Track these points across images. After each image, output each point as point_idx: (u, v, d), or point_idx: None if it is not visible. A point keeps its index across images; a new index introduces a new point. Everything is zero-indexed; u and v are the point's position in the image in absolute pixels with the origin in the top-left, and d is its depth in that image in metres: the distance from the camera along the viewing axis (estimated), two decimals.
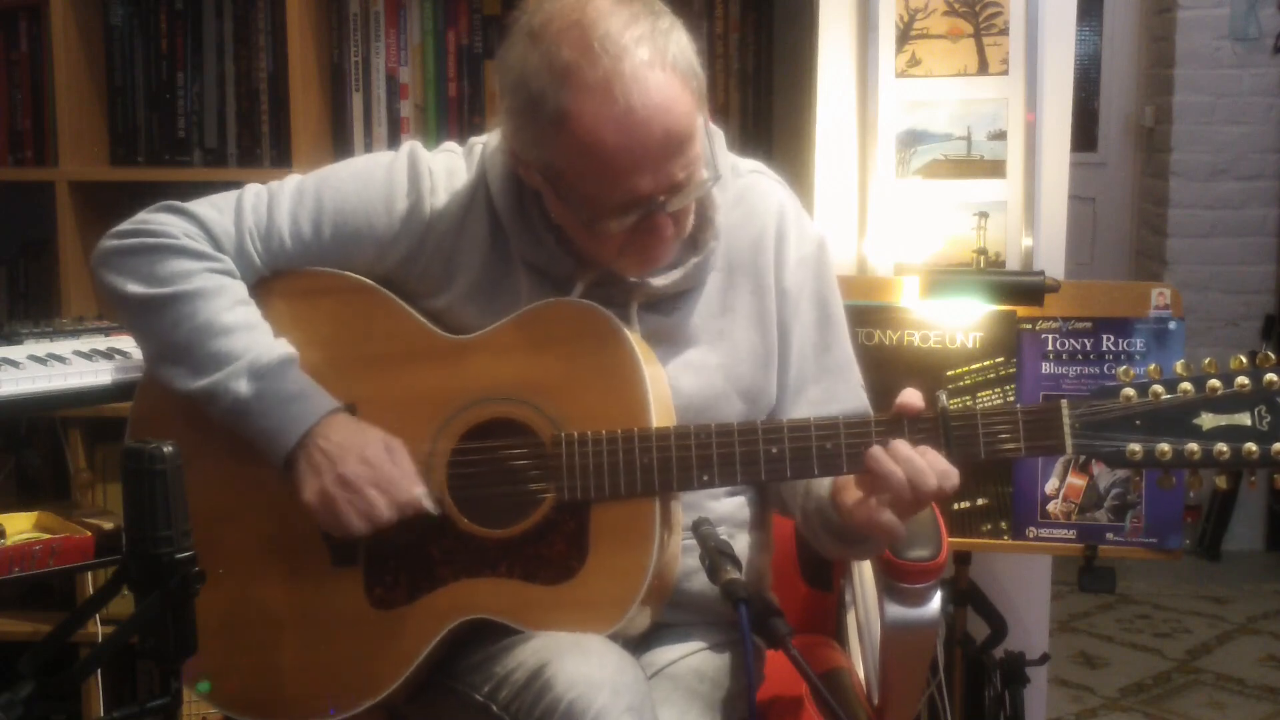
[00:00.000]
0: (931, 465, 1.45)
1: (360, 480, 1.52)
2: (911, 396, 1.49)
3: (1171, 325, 2.21)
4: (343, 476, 1.52)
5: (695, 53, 1.49)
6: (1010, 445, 1.48)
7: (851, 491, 1.52)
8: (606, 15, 1.44)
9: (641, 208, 1.48)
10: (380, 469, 1.52)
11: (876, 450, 1.46)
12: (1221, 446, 1.45)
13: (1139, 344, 2.21)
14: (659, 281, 1.60)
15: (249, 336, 1.57)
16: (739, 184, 1.68)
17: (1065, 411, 1.47)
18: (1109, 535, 2.24)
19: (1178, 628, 4.00)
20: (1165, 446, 1.46)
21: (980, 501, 2.27)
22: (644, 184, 1.45)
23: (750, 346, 1.65)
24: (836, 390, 1.68)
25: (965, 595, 2.37)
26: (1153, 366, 1.49)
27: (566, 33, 1.44)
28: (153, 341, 1.61)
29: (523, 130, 1.50)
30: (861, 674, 1.95)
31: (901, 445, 1.46)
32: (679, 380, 1.60)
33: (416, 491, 1.54)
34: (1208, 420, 1.46)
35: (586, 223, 1.50)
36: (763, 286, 1.66)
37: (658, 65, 1.43)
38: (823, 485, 1.60)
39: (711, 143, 1.59)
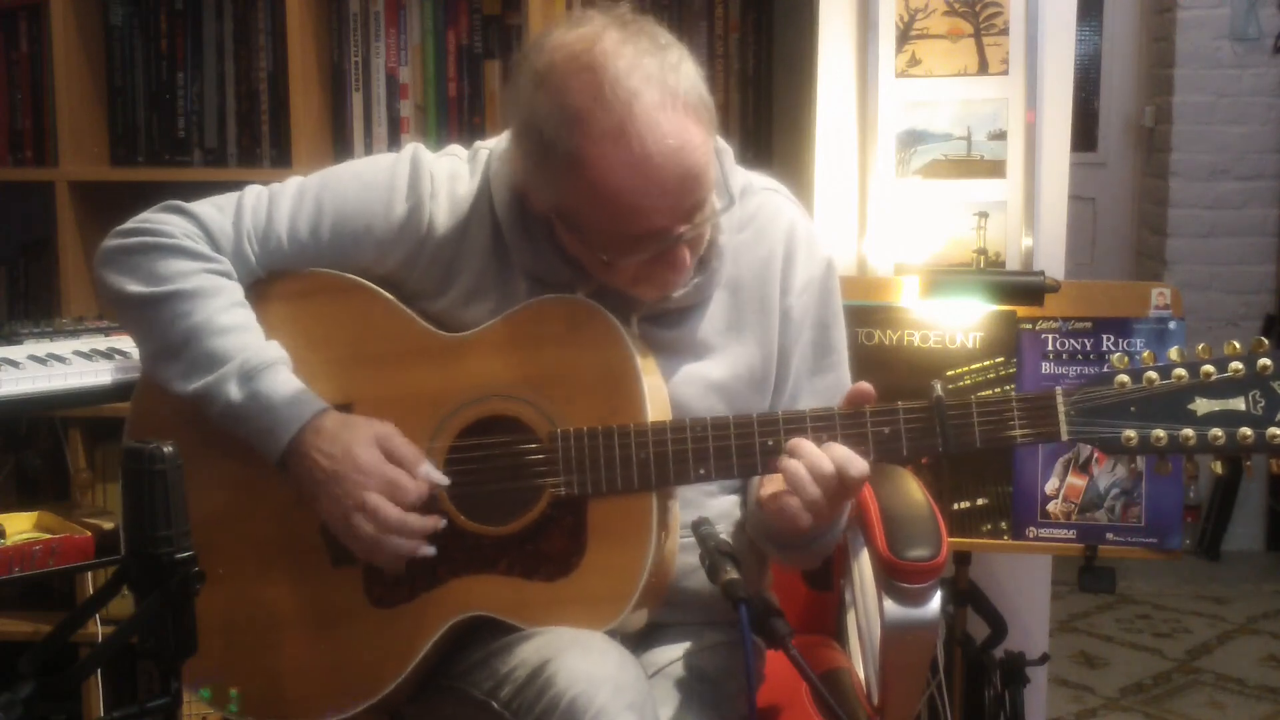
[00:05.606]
0: (832, 455, 1.45)
1: (366, 495, 1.50)
2: (865, 387, 1.50)
3: (1171, 325, 2.21)
4: (346, 494, 1.51)
5: (702, 80, 1.48)
6: (1005, 433, 1.48)
7: (767, 485, 1.53)
8: (614, 56, 1.41)
9: (658, 242, 1.47)
10: (378, 473, 1.51)
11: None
12: (1216, 431, 1.44)
13: (1139, 344, 2.21)
14: None
15: (243, 338, 1.57)
16: (751, 202, 1.67)
17: (1060, 398, 1.47)
18: (1109, 535, 2.23)
19: (1178, 628, 4.00)
20: (1160, 432, 1.45)
21: (980, 501, 2.27)
22: (660, 222, 1.45)
23: (750, 366, 1.65)
24: None
25: (965, 595, 2.37)
26: (1147, 353, 1.48)
27: (576, 77, 1.42)
28: (150, 340, 1.61)
29: (534, 172, 1.49)
30: (861, 674, 1.95)
31: (799, 442, 1.46)
32: (678, 392, 1.60)
33: (421, 472, 1.53)
34: (1202, 405, 1.45)
35: (603, 260, 1.50)
36: (768, 307, 1.65)
37: (669, 105, 1.42)
38: (754, 485, 1.60)
39: (721, 162, 1.57)
